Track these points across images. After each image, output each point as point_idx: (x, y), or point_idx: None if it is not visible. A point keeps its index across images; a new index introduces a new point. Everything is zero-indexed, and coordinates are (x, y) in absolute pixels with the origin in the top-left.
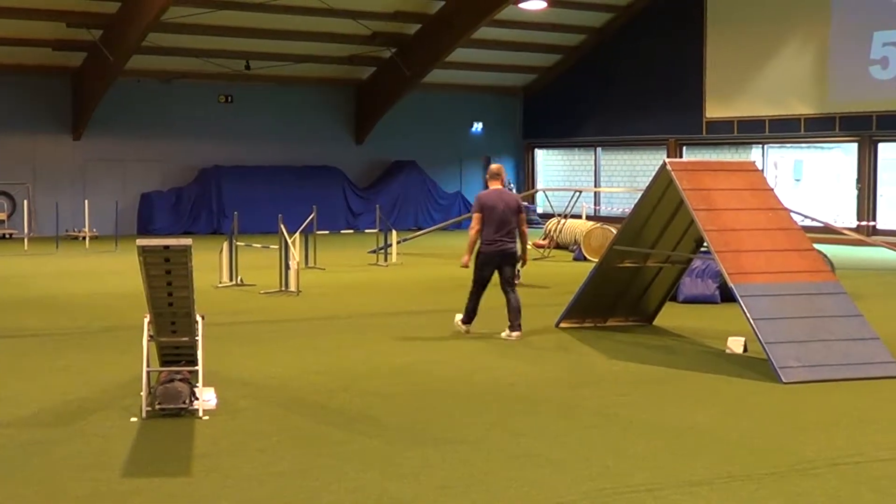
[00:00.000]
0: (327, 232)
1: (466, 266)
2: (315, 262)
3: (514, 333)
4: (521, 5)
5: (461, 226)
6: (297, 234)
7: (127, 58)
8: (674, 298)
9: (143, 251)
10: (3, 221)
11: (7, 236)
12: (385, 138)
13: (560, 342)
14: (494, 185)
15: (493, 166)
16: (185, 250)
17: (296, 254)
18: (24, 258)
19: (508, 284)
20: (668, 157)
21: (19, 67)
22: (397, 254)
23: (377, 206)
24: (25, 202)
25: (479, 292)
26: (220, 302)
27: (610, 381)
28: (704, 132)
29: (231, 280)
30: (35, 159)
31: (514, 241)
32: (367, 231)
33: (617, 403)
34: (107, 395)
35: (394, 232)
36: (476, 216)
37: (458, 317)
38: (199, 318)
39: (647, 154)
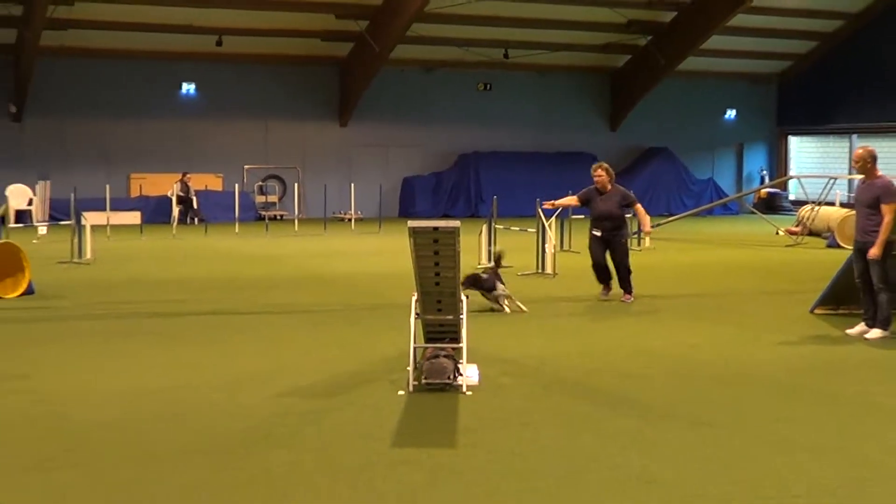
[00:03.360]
0: (582, 217)
1: (877, 257)
2: (570, 246)
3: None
4: None
5: (713, 212)
6: (553, 218)
7: (391, 48)
8: None
9: (414, 232)
10: (275, 203)
11: (279, 217)
12: (638, 125)
13: (816, 329)
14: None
15: (871, 148)
16: (454, 232)
17: (552, 237)
18: (294, 238)
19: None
20: None
21: (290, 58)
22: (650, 238)
23: (632, 191)
24: (296, 185)
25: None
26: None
27: (869, 368)
28: None
29: (490, 262)
30: (304, 145)
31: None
32: None
33: (877, 392)
34: (375, 369)
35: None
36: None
37: (876, 332)
38: (463, 298)
39: None
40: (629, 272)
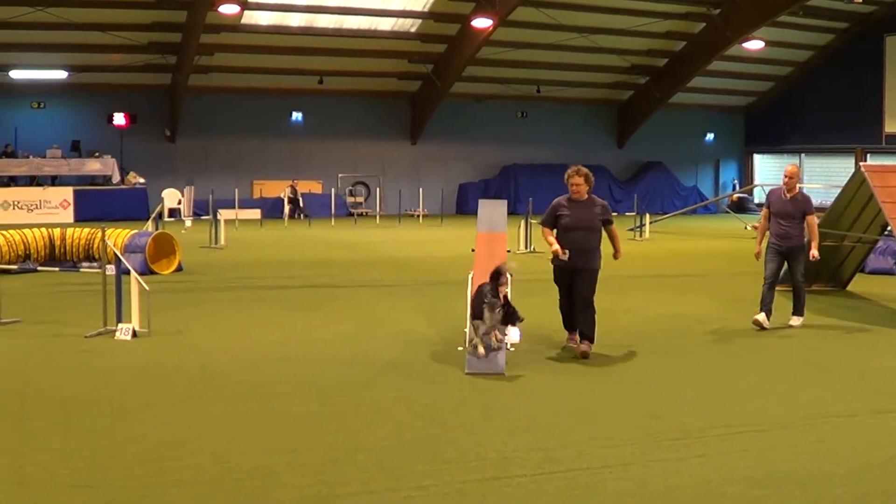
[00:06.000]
0: None
1: (816, 259)
2: None
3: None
4: (745, 45)
5: (696, 212)
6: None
7: (451, 84)
8: (862, 270)
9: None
10: (361, 203)
11: (364, 214)
12: (639, 144)
13: (776, 302)
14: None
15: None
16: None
17: None
18: (376, 230)
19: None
20: (855, 162)
21: (374, 93)
22: (649, 231)
23: (634, 195)
24: (377, 189)
25: None
26: (519, 264)
27: (813, 331)
28: (883, 143)
29: (526, 248)
30: (384, 158)
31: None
32: (626, 214)
33: (818, 349)
34: (439, 329)
35: (647, 215)
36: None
37: (799, 319)
38: (508, 275)
39: (839, 159)
40: (593, 311)
